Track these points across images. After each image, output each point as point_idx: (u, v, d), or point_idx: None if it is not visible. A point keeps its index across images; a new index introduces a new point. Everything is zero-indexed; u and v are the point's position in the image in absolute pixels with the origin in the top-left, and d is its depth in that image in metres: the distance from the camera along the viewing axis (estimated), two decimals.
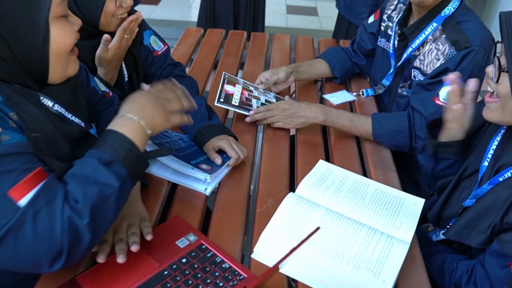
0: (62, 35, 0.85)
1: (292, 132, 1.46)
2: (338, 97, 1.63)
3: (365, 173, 1.29)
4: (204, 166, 1.14)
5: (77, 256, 0.76)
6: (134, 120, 0.85)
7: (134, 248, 0.86)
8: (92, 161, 0.79)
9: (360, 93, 1.67)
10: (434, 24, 1.40)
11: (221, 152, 1.21)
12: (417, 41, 1.44)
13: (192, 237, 0.96)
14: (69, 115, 0.92)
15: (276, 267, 0.90)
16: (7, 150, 0.72)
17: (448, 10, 1.38)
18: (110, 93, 1.21)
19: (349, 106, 1.64)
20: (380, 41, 1.65)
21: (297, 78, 1.67)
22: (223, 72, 1.53)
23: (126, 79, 1.39)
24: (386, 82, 1.60)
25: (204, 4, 3.26)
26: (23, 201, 0.71)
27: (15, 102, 0.79)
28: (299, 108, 1.40)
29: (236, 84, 1.51)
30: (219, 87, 1.44)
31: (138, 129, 0.85)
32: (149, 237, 0.90)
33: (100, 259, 0.86)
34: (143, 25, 1.44)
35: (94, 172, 0.78)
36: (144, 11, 4.45)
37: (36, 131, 0.80)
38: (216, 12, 3.24)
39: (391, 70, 1.56)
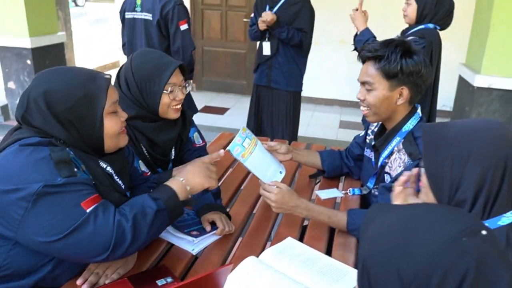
0: (111, 125, 1.28)
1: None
2: (328, 193, 1.93)
3: (329, 253, 1.54)
4: (194, 232, 1.49)
5: (117, 254, 1.16)
6: (179, 180, 1.33)
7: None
8: (144, 196, 1.26)
9: (348, 191, 1.96)
10: (398, 138, 1.70)
11: (215, 225, 1.55)
12: (386, 152, 1.73)
13: (169, 279, 1.28)
14: (116, 178, 1.35)
15: None
16: (80, 179, 1.15)
17: (408, 126, 1.68)
18: (149, 173, 1.64)
19: (335, 201, 1.93)
20: (366, 151, 1.96)
21: (294, 158, 1.97)
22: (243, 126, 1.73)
23: (173, 157, 1.80)
24: (370, 184, 1.89)
25: (250, 115, 3.75)
26: (88, 210, 1.13)
27: (83, 159, 1.22)
28: (289, 203, 1.60)
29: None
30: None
31: (180, 185, 1.32)
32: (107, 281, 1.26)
33: (79, 281, 1.24)
34: (192, 122, 1.89)
35: (143, 200, 1.24)
36: (210, 119, 5.10)
37: (95, 179, 1.23)
38: (262, 122, 3.70)
39: (372, 175, 1.85)
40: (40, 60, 4.16)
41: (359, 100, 1.73)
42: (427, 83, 1.69)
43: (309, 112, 5.73)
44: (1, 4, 4.01)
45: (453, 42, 5.00)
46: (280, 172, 1.71)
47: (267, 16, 3.29)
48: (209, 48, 6.38)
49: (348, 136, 4.96)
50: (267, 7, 3.42)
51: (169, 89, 1.61)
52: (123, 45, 2.90)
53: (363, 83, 1.69)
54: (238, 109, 5.72)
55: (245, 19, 6.04)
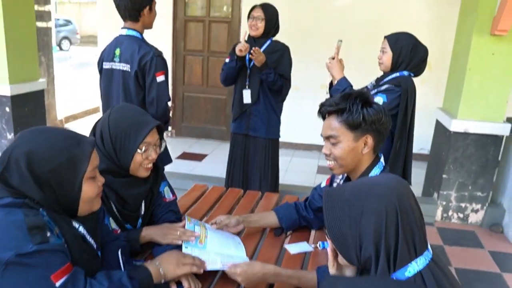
0: (89, 190, 1.26)
1: None
2: (297, 247, 1.91)
3: None
4: None
5: None
6: (156, 264, 1.42)
7: None
8: (122, 273, 1.31)
9: (318, 245, 1.94)
10: None
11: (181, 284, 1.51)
12: None
13: None
14: (89, 238, 1.34)
15: None
16: (53, 246, 1.14)
17: (374, 175, 1.69)
18: (119, 231, 1.62)
19: (305, 256, 1.91)
20: None
21: (247, 226, 1.98)
22: (185, 215, 1.85)
23: (143, 212, 1.77)
24: None
25: (228, 164, 3.71)
26: (58, 284, 1.12)
27: (56, 221, 1.20)
28: (256, 274, 1.57)
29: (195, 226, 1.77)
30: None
31: (156, 269, 1.41)
32: None
33: None
34: (163, 176, 1.87)
35: (121, 277, 1.28)
36: (188, 166, 5.07)
37: (67, 242, 1.21)
38: (242, 171, 3.66)
39: None
40: (19, 108, 4.13)
41: (325, 156, 1.74)
42: (388, 130, 1.71)
43: (288, 157, 5.77)
44: None
45: (431, 86, 5.14)
46: (239, 243, 1.79)
47: (259, 55, 3.24)
48: (190, 94, 6.43)
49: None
50: (247, 55, 3.43)
51: (143, 148, 1.61)
52: (100, 96, 2.90)
53: (327, 138, 1.71)
54: (217, 156, 5.73)
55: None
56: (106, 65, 2.78)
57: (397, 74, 2.60)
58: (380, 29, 5.54)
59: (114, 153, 1.60)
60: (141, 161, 1.62)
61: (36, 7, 6.43)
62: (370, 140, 1.68)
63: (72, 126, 7.51)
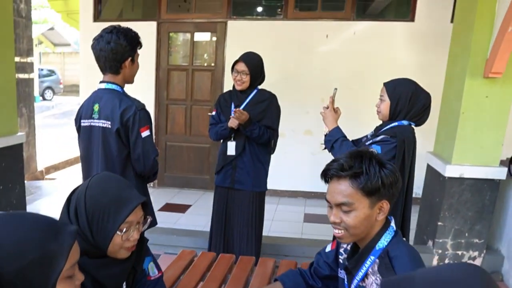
0: None
1: None
2: None
3: None
4: None
5: None
6: None
7: None
8: None
9: None
10: (372, 258, 1.50)
11: None
12: (360, 274, 1.52)
13: None
14: None
15: None
16: None
17: (382, 243, 1.49)
18: None
19: None
20: (340, 272, 1.72)
21: None
22: None
23: None
24: None
25: (213, 219, 3.47)
26: None
27: None
28: None
29: None
30: None
31: None
32: None
33: None
34: (147, 251, 1.62)
35: None
36: (171, 218, 4.83)
37: None
38: (226, 226, 3.43)
39: None
40: None
41: (333, 224, 1.53)
42: (399, 190, 1.53)
43: (273, 205, 5.54)
44: None
45: (419, 130, 4.96)
46: None
47: (242, 114, 3.09)
48: (173, 143, 6.23)
49: (313, 230, 4.79)
50: (232, 105, 3.26)
51: (124, 229, 1.37)
52: (80, 157, 2.67)
53: (338, 205, 1.50)
54: (200, 207, 5.49)
55: (209, 113, 5.96)
56: (85, 123, 2.55)
57: (396, 123, 2.40)
58: (364, 76, 5.60)
59: (90, 233, 1.35)
60: (121, 243, 1.37)
61: (18, 59, 6.28)
62: (386, 205, 1.50)
63: (53, 176, 7.22)
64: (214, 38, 6.02)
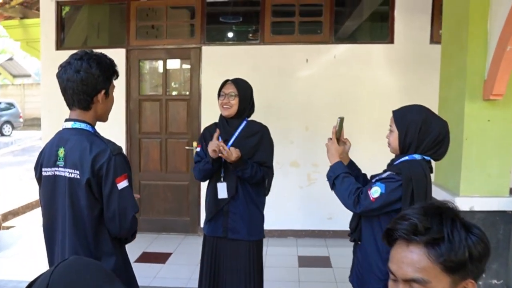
0: None
1: None
2: None
3: None
4: None
5: None
6: None
7: None
8: None
9: None
10: None
11: None
12: None
13: None
14: None
15: None
16: None
17: None
18: None
19: None
20: None
21: None
22: None
23: None
24: None
25: (201, 274, 3.01)
26: None
27: None
28: None
29: None
30: None
31: None
32: None
33: None
34: None
35: None
36: (150, 271, 4.27)
37: None
38: (219, 282, 2.95)
39: None
40: None
41: None
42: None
43: (263, 248, 5.02)
44: None
45: None
46: None
47: (231, 154, 2.68)
48: (148, 182, 5.66)
49: (310, 277, 4.33)
50: (220, 139, 2.81)
51: None
52: (42, 214, 2.11)
53: (407, 281, 1.05)
54: (182, 254, 4.94)
55: (187, 147, 5.54)
56: (47, 172, 2.01)
57: (406, 157, 2.05)
58: (348, 99, 5.34)
59: None
60: None
61: None
62: (472, 286, 1.08)
63: (11, 223, 6.50)
64: (188, 65, 5.64)
